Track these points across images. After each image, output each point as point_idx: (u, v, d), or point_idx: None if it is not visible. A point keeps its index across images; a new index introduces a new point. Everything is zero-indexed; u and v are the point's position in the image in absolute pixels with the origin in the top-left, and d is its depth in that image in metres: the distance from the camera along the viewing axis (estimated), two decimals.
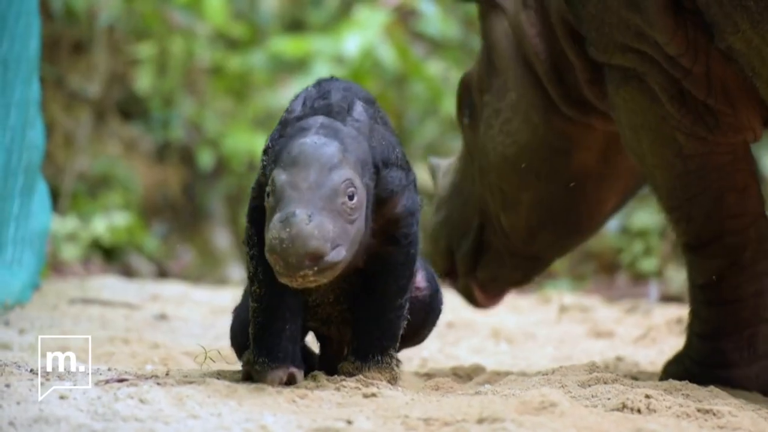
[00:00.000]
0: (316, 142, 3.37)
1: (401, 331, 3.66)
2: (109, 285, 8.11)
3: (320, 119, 3.45)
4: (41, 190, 6.29)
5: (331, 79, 3.69)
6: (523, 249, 4.78)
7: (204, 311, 7.05)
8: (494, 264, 4.89)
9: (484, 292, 4.96)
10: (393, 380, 3.62)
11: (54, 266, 9.18)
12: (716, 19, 3.94)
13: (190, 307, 7.27)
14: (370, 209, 3.47)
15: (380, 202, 3.54)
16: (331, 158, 3.35)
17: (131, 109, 11.19)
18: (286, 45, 10.90)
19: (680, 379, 4.17)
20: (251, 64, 11.21)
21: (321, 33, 11.15)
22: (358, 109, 3.52)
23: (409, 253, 3.61)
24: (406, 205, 3.61)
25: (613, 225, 10.07)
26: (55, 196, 8.51)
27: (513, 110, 4.61)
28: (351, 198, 3.34)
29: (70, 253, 9.64)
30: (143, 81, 10.76)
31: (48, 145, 7.01)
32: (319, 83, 3.66)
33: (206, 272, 10.83)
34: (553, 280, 10.24)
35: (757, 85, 3.98)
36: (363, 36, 10.60)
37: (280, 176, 3.34)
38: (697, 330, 4.31)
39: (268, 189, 3.37)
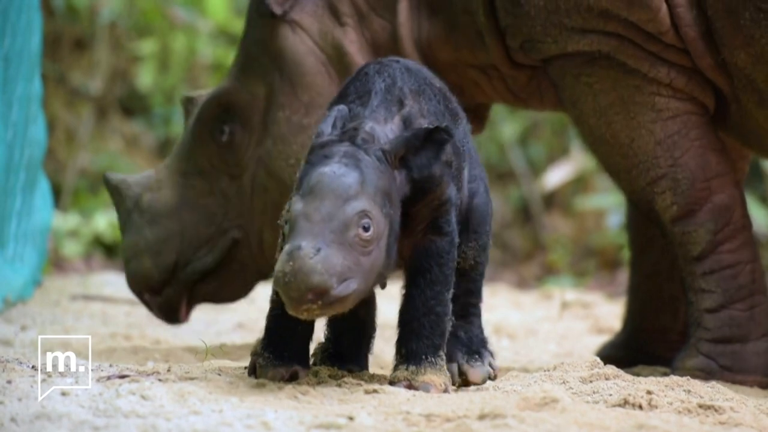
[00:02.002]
0: (335, 172, 3.32)
1: (448, 331, 3.55)
2: (110, 281, 8.10)
3: (343, 148, 3.39)
4: (43, 187, 6.29)
5: (381, 71, 3.59)
6: (268, 267, 4.68)
7: (205, 307, 7.04)
8: (228, 280, 4.83)
9: (188, 308, 4.88)
10: (448, 383, 3.52)
11: (55, 263, 9.18)
12: None
13: None
14: (393, 238, 3.41)
15: (423, 192, 3.49)
16: (347, 189, 3.30)
17: (133, 105, 11.19)
18: None
19: (704, 368, 4.15)
20: None
21: None
22: (389, 129, 3.47)
23: (453, 240, 3.56)
24: (448, 193, 3.55)
25: (614, 221, 10.06)
26: (56, 192, 8.50)
27: None
28: (366, 230, 3.29)
29: (71, 249, 9.64)
30: (145, 77, 10.76)
31: (50, 141, 7.02)
32: (365, 82, 3.59)
33: None
34: (555, 276, 10.24)
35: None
36: None
37: (297, 205, 3.31)
38: (705, 305, 4.26)
39: (286, 216, 3.35)
